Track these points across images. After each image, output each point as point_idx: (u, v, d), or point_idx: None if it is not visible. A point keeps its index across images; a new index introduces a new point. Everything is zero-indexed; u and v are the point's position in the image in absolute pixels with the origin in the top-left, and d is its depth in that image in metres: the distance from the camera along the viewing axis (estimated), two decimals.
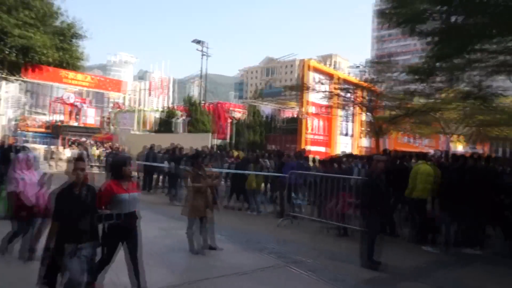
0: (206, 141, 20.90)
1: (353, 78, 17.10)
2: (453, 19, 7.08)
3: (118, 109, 38.16)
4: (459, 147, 29.11)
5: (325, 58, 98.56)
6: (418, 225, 7.33)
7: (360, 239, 6.15)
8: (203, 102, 34.30)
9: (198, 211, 6.13)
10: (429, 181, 6.92)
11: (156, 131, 28.62)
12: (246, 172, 10.05)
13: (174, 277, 5.09)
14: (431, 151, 15.14)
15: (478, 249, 6.82)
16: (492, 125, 18.98)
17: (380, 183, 5.81)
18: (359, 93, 16.77)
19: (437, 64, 9.31)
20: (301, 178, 8.82)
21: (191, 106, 27.46)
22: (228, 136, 26.50)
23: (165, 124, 29.49)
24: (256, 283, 5.05)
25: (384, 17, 8.13)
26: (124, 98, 40.76)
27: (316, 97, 19.34)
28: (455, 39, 7.12)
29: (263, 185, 10.95)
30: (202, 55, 39.52)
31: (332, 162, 8.22)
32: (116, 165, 4.17)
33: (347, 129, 24.64)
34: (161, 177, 13.98)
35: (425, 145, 29.92)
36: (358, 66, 15.23)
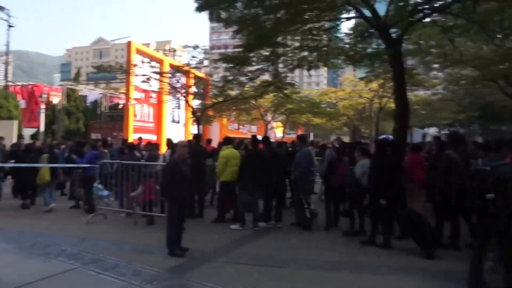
0: (9, 130, 17.52)
1: (180, 64, 16.91)
2: (253, 11, 7.63)
3: None
4: (279, 134, 32.94)
5: (163, 44, 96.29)
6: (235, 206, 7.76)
7: (166, 227, 6.03)
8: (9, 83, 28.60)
9: None
10: (236, 165, 7.36)
11: None
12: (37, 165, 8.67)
13: None
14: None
15: (273, 223, 7.64)
16: (298, 113, 22.26)
17: (184, 168, 5.77)
18: (190, 80, 16.82)
19: (250, 54, 9.99)
20: (107, 168, 8.15)
21: None
22: (42, 124, 22.81)
23: None
24: None
25: (198, 2, 8.14)
26: None
27: (144, 82, 18.37)
28: (256, 31, 7.72)
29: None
30: (9, 26, 32.82)
31: (132, 149, 7.82)
32: None
33: (178, 116, 24.52)
34: None
35: (253, 132, 32.63)
36: (174, 50, 15.17)
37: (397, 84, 9.21)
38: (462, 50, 11.43)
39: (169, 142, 8.32)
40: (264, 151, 7.38)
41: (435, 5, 8.51)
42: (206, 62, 18.05)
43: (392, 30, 9.67)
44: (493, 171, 4.24)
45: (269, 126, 34.83)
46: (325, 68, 17.56)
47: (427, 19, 9.90)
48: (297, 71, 13.81)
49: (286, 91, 13.37)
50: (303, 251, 6.15)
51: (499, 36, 10.93)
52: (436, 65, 15.98)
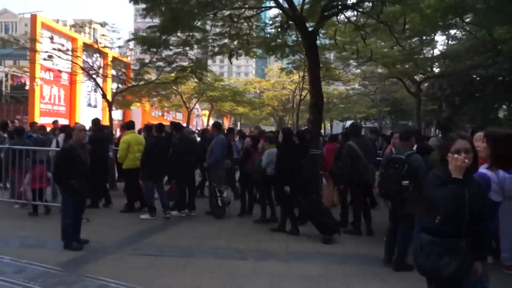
0: None
1: (91, 42, 15.38)
2: None
3: None
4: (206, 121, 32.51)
5: (82, 23, 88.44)
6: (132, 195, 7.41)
7: (60, 217, 5.53)
8: None
9: None
10: (139, 151, 6.97)
11: None
12: None
13: None
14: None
15: (186, 211, 7.47)
16: (221, 100, 22.15)
17: (81, 154, 5.31)
18: (107, 61, 15.58)
19: (165, 36, 9.53)
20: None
21: None
22: None
23: None
24: None
25: None
26: None
27: (54, 62, 16.65)
28: (169, 12, 7.34)
29: None
30: None
31: (20, 133, 7.02)
32: None
33: (95, 100, 22.79)
34: None
35: (178, 119, 31.72)
36: (87, 26, 13.95)
37: (312, 76, 9.51)
38: (373, 48, 12.20)
39: (64, 126, 7.63)
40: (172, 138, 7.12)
41: (347, 2, 8.91)
42: (123, 44, 16.88)
43: (310, 23, 9.96)
44: (406, 160, 4.58)
45: (195, 114, 34.21)
46: (254, 58, 17.63)
47: (342, 16, 10.36)
48: (226, 60, 13.45)
49: (208, 78, 13.05)
50: (212, 240, 6.08)
51: (404, 37, 11.88)
52: (351, 61, 16.92)
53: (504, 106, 17.72)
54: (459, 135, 2.47)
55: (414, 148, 5.48)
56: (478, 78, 17.13)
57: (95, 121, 8.02)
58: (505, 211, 3.36)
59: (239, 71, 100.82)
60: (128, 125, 7.50)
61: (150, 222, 6.95)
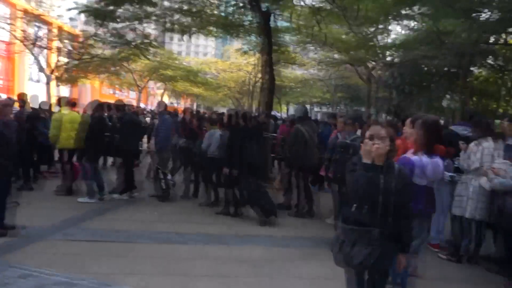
0: None
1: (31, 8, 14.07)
2: None
3: None
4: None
5: None
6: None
7: None
8: None
9: None
10: (73, 129, 6.53)
11: None
12: None
13: None
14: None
15: (128, 194, 7.19)
16: (174, 80, 21.46)
17: (6, 132, 4.86)
18: (54, 34, 14.41)
19: (112, 8, 8.91)
20: None
21: None
22: None
23: None
24: None
25: None
26: None
27: None
28: None
29: None
30: None
31: None
32: None
33: (38, 75, 21.18)
34: None
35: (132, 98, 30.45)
36: None
37: (266, 57, 9.41)
38: (328, 33, 12.27)
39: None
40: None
41: None
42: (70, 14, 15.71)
43: (265, 4, 9.75)
44: (351, 144, 4.63)
45: (150, 93, 33.01)
46: (209, 37, 17.14)
47: None
48: (185, 38, 12.81)
49: (161, 56, 12.44)
50: (154, 224, 5.88)
51: (358, 23, 12.02)
52: (309, 45, 16.99)
53: (447, 96, 18.78)
54: (375, 121, 2.46)
55: (358, 132, 5.62)
56: (426, 69, 17.94)
57: (20, 96, 7.31)
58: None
59: (198, 51, 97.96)
60: (60, 101, 6.93)
61: (89, 206, 6.57)
